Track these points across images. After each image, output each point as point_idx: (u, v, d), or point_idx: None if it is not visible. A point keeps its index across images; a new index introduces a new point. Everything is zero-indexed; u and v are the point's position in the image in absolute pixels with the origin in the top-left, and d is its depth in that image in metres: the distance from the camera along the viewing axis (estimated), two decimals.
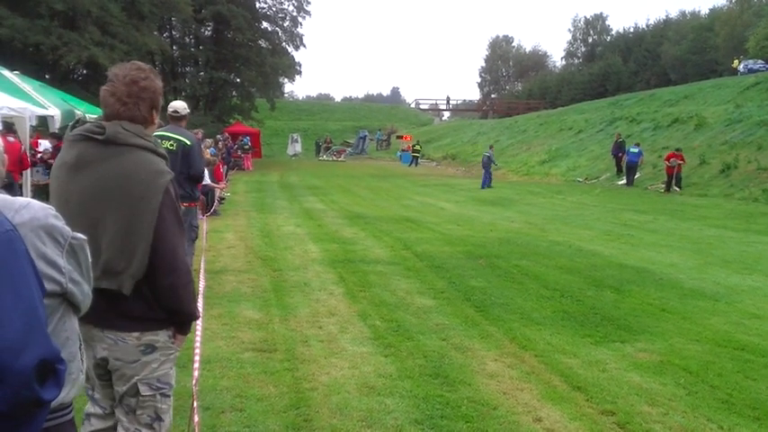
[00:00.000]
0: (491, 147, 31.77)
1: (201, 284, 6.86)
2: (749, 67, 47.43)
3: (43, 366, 1.60)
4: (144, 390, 2.93)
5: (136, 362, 2.91)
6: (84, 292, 2.21)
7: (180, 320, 2.98)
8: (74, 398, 2.26)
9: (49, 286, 2.04)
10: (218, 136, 26.46)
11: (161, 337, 2.94)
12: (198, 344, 4.53)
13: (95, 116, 13.50)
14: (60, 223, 2.11)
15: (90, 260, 2.27)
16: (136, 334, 2.88)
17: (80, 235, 2.19)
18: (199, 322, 4.96)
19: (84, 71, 36.58)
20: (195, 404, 3.65)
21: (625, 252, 11.82)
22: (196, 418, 3.55)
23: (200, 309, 5.41)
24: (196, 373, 4.01)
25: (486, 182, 28.73)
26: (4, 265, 1.64)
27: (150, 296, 2.85)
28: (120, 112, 2.82)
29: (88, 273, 2.25)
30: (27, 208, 2.05)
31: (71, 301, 2.18)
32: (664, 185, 25.34)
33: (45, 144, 17.05)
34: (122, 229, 2.75)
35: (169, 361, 3.01)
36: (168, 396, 3.04)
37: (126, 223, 2.75)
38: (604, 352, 6.28)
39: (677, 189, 24.70)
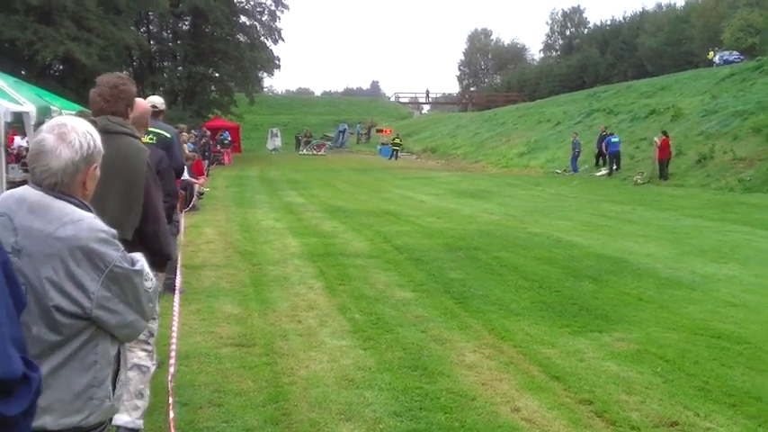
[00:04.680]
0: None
1: (179, 280, 6.80)
2: (725, 58, 47.87)
3: None
4: None
5: None
6: (124, 322, 2.17)
7: (159, 260, 3.69)
8: (95, 423, 2.19)
9: (70, 307, 2.04)
10: (194, 131, 26.16)
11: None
12: (174, 339, 4.50)
13: (72, 112, 13.32)
14: (104, 248, 2.09)
15: (146, 290, 2.23)
16: None
17: (134, 263, 2.19)
18: (176, 317, 4.95)
19: (61, 66, 36.19)
20: (171, 400, 3.63)
21: (603, 243, 11.89)
22: (171, 414, 3.54)
23: (177, 304, 5.39)
24: (172, 369, 3.99)
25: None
26: None
27: (139, 243, 3.59)
28: (104, 108, 3.72)
29: (137, 302, 2.20)
30: (74, 224, 2.07)
31: (103, 328, 2.15)
32: (641, 176, 25.46)
33: (20, 141, 16.88)
34: (122, 193, 3.62)
35: None
36: (154, 318, 4.00)
37: (124, 189, 3.63)
38: (582, 342, 6.32)
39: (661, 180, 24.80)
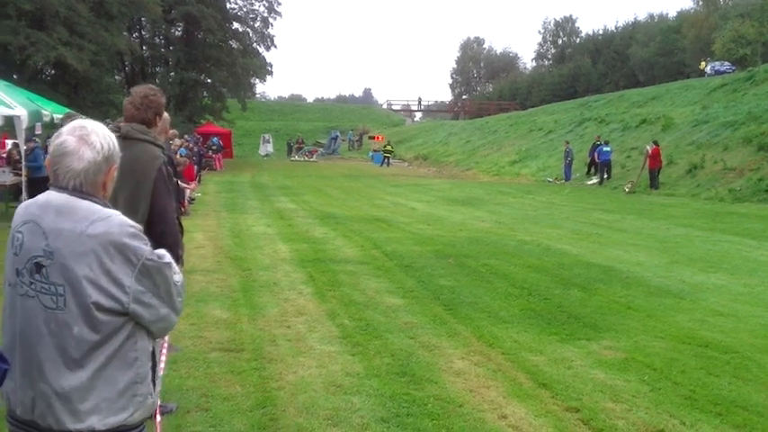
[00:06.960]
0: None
1: None
2: (716, 68, 48.30)
3: None
4: None
5: None
6: (157, 315, 2.22)
7: None
8: (140, 420, 2.24)
9: (108, 303, 2.08)
10: (187, 137, 26.14)
11: None
12: (166, 343, 4.50)
13: (61, 115, 13.32)
14: (136, 243, 2.13)
15: (175, 283, 2.27)
16: None
17: (161, 257, 2.22)
18: None
19: (53, 71, 36.06)
20: (158, 403, 3.63)
21: (593, 251, 11.93)
22: (159, 418, 3.53)
23: None
24: (160, 373, 3.98)
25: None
26: None
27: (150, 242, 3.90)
28: (135, 115, 4.17)
29: (169, 295, 2.24)
30: (105, 221, 2.11)
31: (140, 323, 2.19)
32: (632, 185, 25.54)
33: (10, 145, 16.83)
34: (131, 194, 3.97)
35: None
36: None
37: (134, 190, 3.99)
38: (570, 349, 6.34)
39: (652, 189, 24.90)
